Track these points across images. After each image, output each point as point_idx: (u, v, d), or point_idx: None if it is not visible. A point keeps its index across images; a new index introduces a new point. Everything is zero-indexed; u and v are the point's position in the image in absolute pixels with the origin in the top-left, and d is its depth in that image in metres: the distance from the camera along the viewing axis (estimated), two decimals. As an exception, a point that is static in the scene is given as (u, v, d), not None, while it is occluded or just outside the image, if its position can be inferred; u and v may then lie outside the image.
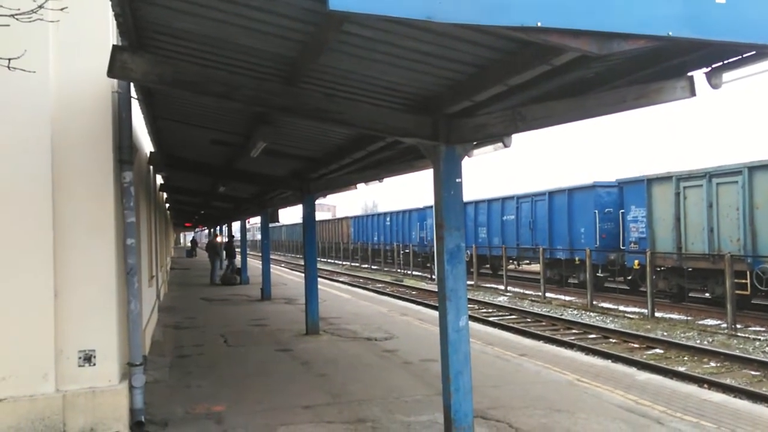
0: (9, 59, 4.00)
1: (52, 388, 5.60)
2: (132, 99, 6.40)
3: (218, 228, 36.23)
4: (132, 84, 6.20)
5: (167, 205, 25.80)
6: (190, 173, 14.00)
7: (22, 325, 5.50)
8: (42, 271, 5.56)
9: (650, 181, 18.98)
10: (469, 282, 20.84)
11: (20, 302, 5.50)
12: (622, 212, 20.58)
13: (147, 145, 11.21)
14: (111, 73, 4.68)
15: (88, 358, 5.73)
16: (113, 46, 4.80)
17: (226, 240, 26.71)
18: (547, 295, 21.94)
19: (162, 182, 17.96)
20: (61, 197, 5.68)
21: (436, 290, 5.61)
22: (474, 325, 12.01)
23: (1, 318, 5.45)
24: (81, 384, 5.70)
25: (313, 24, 3.99)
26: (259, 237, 43.94)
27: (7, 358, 5.47)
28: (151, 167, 12.29)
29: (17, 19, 3.99)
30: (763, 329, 14.45)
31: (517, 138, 5.75)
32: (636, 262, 19.23)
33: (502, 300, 21.87)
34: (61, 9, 4.36)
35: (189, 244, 55.98)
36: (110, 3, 4.01)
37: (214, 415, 6.52)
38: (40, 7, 3.98)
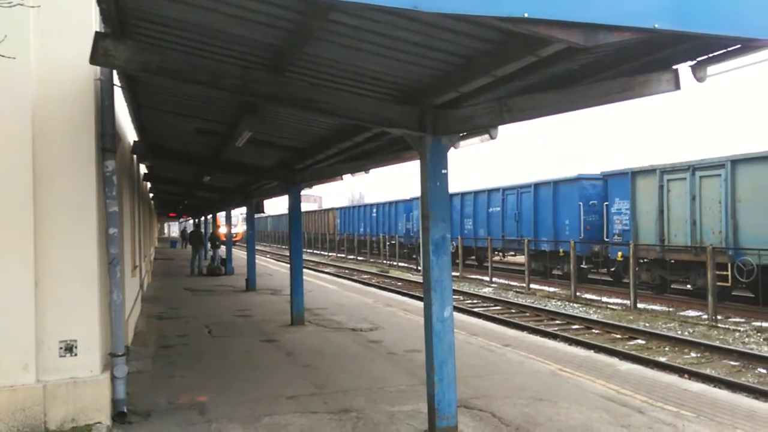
0: (-12, 44, 3.93)
1: (33, 378, 5.54)
2: (115, 87, 6.31)
3: (204, 218, 35.92)
4: (115, 72, 6.12)
5: (151, 195, 25.56)
6: (174, 163, 13.87)
7: (2, 315, 5.42)
8: (22, 260, 5.49)
9: (634, 174, 19.14)
10: (454, 273, 20.89)
11: (0, 292, 5.43)
12: (606, 204, 20.74)
13: (131, 134, 11.08)
14: (93, 60, 4.61)
15: (69, 349, 5.68)
16: (96, 32, 4.72)
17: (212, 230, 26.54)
18: (532, 286, 22.09)
19: (146, 172, 17.79)
20: (42, 186, 5.59)
21: (422, 281, 5.62)
22: (459, 316, 12.07)
23: (-19, 308, 5.38)
24: (62, 374, 5.65)
25: (300, 12, 3.96)
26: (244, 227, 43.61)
27: (-13, 348, 5.40)
28: (135, 156, 12.16)
29: (-4, 3, 3.91)
30: (743, 320, 14.67)
31: (503, 130, 5.77)
32: (619, 253, 19.42)
33: (487, 291, 21.99)
34: (42, -6, 4.28)
35: (179, 236, 54.33)
36: (92, -12, 3.94)
37: (198, 406, 6.50)
38: (20, -9, 3.90)
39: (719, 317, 14.72)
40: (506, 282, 24.37)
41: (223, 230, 26.78)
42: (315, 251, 51.17)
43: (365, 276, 28.50)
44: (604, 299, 18.84)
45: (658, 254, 18.12)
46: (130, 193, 11.21)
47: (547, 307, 17.23)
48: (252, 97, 5.56)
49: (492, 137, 5.88)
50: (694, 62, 3.97)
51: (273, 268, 27.28)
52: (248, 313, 13.16)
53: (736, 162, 15.86)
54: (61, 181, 5.69)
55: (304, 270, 13.24)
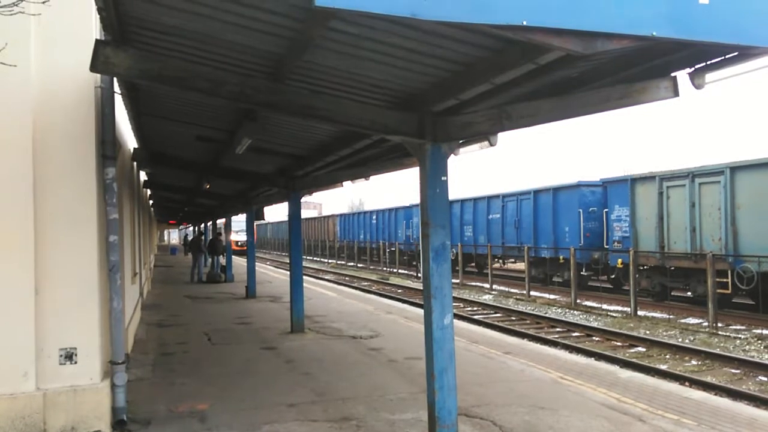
0: (-11, 52, 3.94)
1: (33, 386, 5.53)
2: (116, 94, 6.33)
3: (203, 225, 35.91)
4: (115, 79, 6.14)
5: (151, 201, 25.56)
6: (174, 170, 13.89)
7: (2, 322, 5.42)
8: (23, 268, 5.49)
9: (634, 181, 19.15)
10: (454, 280, 20.86)
11: (0, 300, 5.42)
12: (606, 211, 20.73)
13: (131, 141, 11.10)
14: (94, 67, 4.62)
15: (69, 356, 5.67)
16: (96, 40, 4.75)
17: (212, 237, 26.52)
18: (532, 293, 22.05)
19: (146, 179, 17.80)
20: (43, 193, 5.60)
21: (422, 288, 5.62)
22: (459, 323, 12.04)
23: (-19, 315, 5.37)
24: (62, 382, 5.64)
25: (300, 20, 3.97)
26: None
27: (-14, 356, 5.39)
28: (135, 163, 12.17)
29: (-3, 11, 3.93)
30: (743, 328, 14.63)
31: (503, 137, 5.77)
32: (619, 260, 19.39)
33: (487, 298, 21.95)
34: (43, 2, 4.30)
35: (181, 243, 53.91)
36: (93, -4, 3.96)
37: (198, 414, 6.48)
38: (21, -1, 3.92)
39: (720, 325, 14.69)
40: (506, 289, 24.33)
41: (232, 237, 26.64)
42: (315, 258, 51.12)
43: (365, 283, 28.46)
44: (605, 306, 18.81)
45: (658, 261, 18.09)
46: (130, 201, 11.21)
47: (547, 315, 17.21)
48: (251, 105, 5.57)
49: (491, 144, 5.88)
50: (692, 69, 3.98)
51: (273, 275, 27.25)
52: (248, 321, 13.14)
53: (735, 169, 15.86)
54: (61, 188, 5.69)
55: (304, 277, 13.23)
